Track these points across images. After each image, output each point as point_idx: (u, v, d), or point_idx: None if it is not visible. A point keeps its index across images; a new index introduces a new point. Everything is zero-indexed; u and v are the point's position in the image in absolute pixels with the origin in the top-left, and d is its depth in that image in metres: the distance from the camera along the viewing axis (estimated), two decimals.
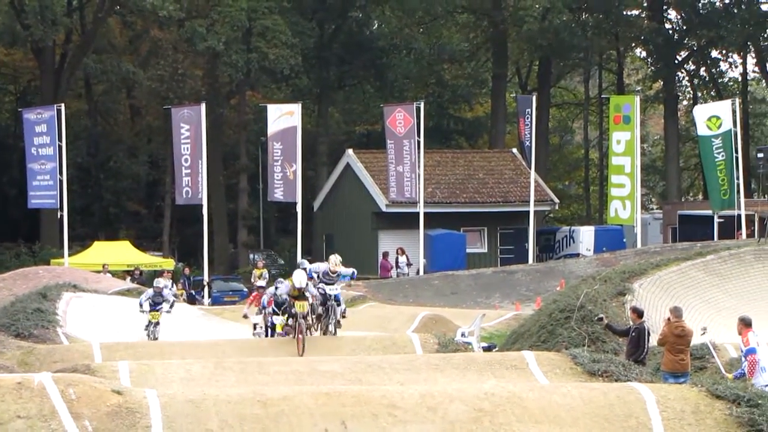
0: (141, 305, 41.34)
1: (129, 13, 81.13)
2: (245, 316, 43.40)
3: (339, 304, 38.06)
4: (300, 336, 35.66)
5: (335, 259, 37.51)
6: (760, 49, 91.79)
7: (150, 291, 42.35)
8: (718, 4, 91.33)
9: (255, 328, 41.73)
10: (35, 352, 32.56)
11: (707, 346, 31.31)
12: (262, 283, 50.96)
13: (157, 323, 41.10)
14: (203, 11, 78.47)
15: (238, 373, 27.78)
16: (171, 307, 42.44)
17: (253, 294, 44.91)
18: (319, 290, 37.71)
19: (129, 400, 21.39)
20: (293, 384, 25.17)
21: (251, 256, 74.42)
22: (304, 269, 38.18)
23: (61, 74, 77.21)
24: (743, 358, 28.33)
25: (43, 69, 78.31)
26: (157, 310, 41.18)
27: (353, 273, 40.57)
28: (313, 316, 37.84)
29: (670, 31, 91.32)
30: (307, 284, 37.10)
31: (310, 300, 36.81)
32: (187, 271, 67.08)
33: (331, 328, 37.76)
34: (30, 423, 20.28)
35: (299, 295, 36.86)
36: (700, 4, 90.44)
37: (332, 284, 38.02)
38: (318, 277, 38.43)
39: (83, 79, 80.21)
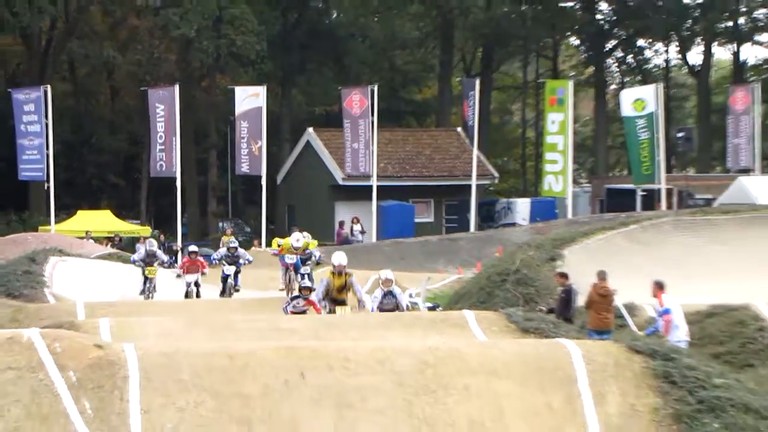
0: (134, 262, 41.93)
1: (109, 2, 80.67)
2: (178, 276, 42.87)
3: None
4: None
5: (298, 235, 36.92)
6: (682, 38, 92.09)
7: (142, 252, 42.07)
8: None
9: (188, 287, 40.72)
10: (24, 310, 32.59)
11: (621, 308, 31.75)
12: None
13: (153, 280, 40.52)
14: (177, 0, 78.16)
15: (208, 329, 27.87)
16: (168, 264, 43.83)
17: (184, 259, 44.68)
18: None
19: (109, 353, 21.46)
20: (257, 340, 25.30)
21: (220, 224, 74.32)
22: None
23: (47, 58, 76.92)
24: (658, 318, 28.78)
25: (30, 53, 78.04)
26: (152, 264, 40.68)
27: (320, 256, 41.08)
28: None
29: (601, 22, 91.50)
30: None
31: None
32: (162, 237, 66.93)
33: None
34: (20, 374, 20.33)
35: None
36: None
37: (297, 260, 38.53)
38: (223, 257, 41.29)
39: (68, 62, 79.84)
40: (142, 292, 40.22)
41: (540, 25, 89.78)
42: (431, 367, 21.79)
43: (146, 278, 40.39)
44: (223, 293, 41.16)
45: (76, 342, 21.95)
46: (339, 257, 32.59)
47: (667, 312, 28.55)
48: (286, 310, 31.55)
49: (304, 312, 31.19)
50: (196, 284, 40.26)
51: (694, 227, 44.15)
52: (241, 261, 41.52)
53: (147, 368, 21.06)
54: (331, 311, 32.58)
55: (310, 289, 31.59)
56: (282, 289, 38.92)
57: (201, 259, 41.19)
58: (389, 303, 31.70)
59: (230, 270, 40.36)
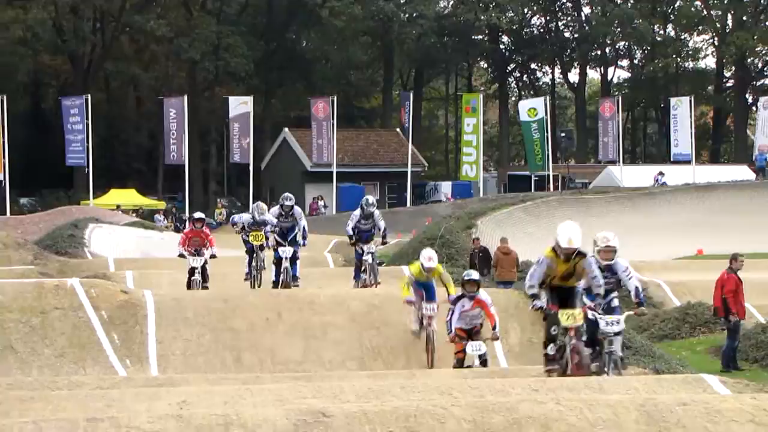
0: (235, 224, 26.55)
1: (135, 32, 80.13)
2: (181, 255, 25.80)
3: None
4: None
5: (428, 252, 21.07)
6: (564, 63, 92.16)
7: (245, 217, 26.10)
8: (535, 32, 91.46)
9: (192, 274, 25.42)
10: (69, 264, 32.34)
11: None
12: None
13: (261, 253, 25.34)
14: (186, 32, 77.69)
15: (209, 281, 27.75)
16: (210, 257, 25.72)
17: (185, 232, 27.49)
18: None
19: (132, 297, 21.30)
20: (244, 288, 25.27)
21: (218, 200, 74.06)
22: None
23: (88, 74, 76.23)
24: None
25: (75, 70, 77.40)
26: (200, 254, 25.45)
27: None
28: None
29: (503, 50, 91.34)
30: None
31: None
32: (174, 210, 66.65)
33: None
34: (64, 312, 20.15)
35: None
36: (523, 32, 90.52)
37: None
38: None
39: (103, 77, 79.03)
40: (248, 274, 25.48)
41: (458, 53, 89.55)
42: (377, 308, 21.72)
43: (251, 253, 24.90)
44: (276, 284, 24.72)
45: (108, 288, 21.77)
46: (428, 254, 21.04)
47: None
48: (450, 327, 18.68)
49: (476, 326, 18.65)
50: (203, 270, 25.33)
51: (574, 203, 44.11)
52: (297, 234, 25.19)
53: (161, 309, 20.94)
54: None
55: (477, 284, 18.70)
56: (415, 332, 21.13)
57: (207, 231, 25.75)
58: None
59: (287, 252, 24.23)
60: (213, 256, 25.38)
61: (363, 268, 24.25)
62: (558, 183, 64.58)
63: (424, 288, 20.49)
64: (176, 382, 15.83)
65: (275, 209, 25.16)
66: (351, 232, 24.67)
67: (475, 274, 18.50)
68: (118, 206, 60.51)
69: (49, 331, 20.03)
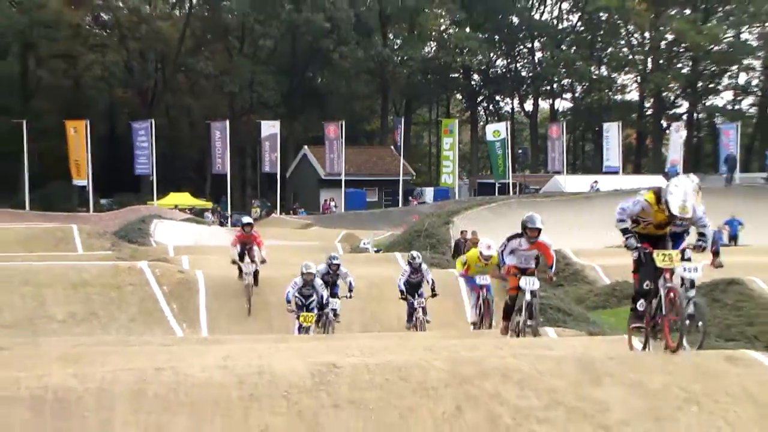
0: (289, 301, 18.74)
1: (188, 71, 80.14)
2: (234, 262, 21.48)
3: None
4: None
5: (487, 241, 18.58)
6: (521, 95, 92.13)
7: (299, 281, 18.88)
8: (499, 71, 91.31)
9: (246, 278, 21.15)
10: (138, 250, 32.40)
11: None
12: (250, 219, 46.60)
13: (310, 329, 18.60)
14: (228, 71, 77.72)
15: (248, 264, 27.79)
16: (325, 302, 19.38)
17: (237, 235, 22.22)
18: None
19: (187, 276, 21.41)
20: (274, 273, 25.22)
21: (253, 201, 74.00)
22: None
23: (152, 104, 76.26)
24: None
25: (142, 101, 77.24)
26: (310, 309, 18.96)
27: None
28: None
29: (474, 86, 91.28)
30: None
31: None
32: (218, 209, 66.67)
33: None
34: (135, 288, 20.25)
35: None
36: (489, 72, 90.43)
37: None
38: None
39: (164, 106, 79.01)
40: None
41: (438, 87, 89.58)
42: (376, 286, 21.77)
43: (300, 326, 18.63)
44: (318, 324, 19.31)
45: (168, 269, 21.85)
46: (487, 241, 18.50)
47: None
48: (502, 259, 15.44)
49: (529, 267, 15.32)
50: (255, 273, 21.30)
51: (528, 204, 43.92)
52: (338, 289, 19.97)
53: (209, 285, 21.06)
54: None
55: (539, 231, 14.94)
56: (474, 324, 18.86)
57: (256, 233, 22.09)
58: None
59: (335, 304, 19.39)
60: (263, 261, 21.54)
61: (414, 320, 20.07)
62: (516, 189, 64.72)
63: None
64: (221, 342, 15.92)
65: (323, 267, 19.69)
66: (402, 287, 20.04)
67: (539, 222, 14.78)
68: (175, 206, 60.49)
69: (124, 301, 20.15)
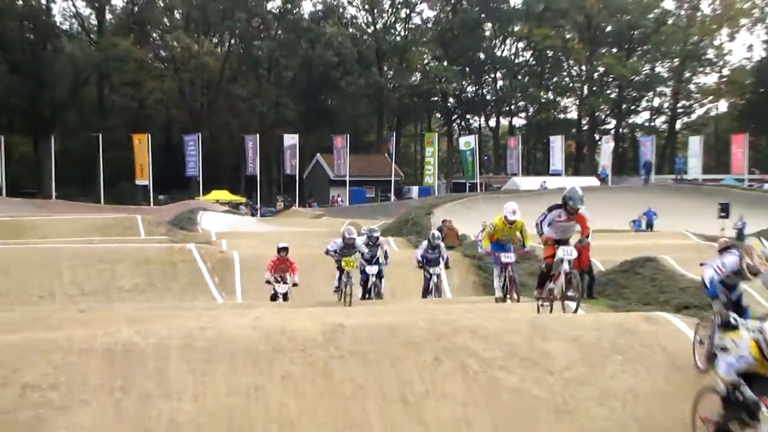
0: (328, 252, 17.06)
1: (228, 95, 79.92)
2: (268, 282, 17.74)
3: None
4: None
5: (512, 205, 15.09)
6: (486, 114, 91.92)
7: (339, 242, 16.97)
8: (469, 95, 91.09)
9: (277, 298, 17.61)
10: (188, 235, 32.36)
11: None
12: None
13: (350, 273, 16.51)
14: (258, 95, 77.56)
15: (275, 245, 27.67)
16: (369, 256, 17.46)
17: (273, 258, 17.93)
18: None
19: (226, 255, 21.29)
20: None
21: (277, 197, 73.80)
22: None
23: (200, 121, 75.82)
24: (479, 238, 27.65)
25: (191, 118, 76.51)
26: (285, 281, 17.81)
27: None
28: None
29: (450, 107, 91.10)
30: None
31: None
32: (250, 203, 66.59)
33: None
34: (186, 264, 20.16)
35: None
36: (462, 96, 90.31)
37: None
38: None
39: (208, 122, 78.61)
40: (337, 288, 17.06)
41: (422, 108, 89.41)
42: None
43: (342, 271, 16.78)
44: (364, 297, 17.49)
45: (211, 250, 21.78)
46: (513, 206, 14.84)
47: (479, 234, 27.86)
48: (541, 228, 12.83)
49: (567, 238, 12.77)
50: (285, 296, 17.63)
51: (492, 200, 43.98)
52: (380, 256, 17.70)
53: (243, 262, 20.92)
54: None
55: (582, 202, 12.28)
56: (499, 299, 15.23)
57: (291, 259, 17.92)
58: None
59: (373, 269, 17.32)
60: (295, 284, 17.73)
61: (430, 288, 17.89)
62: (482, 187, 64.67)
63: (501, 248, 14.74)
64: (252, 307, 15.87)
65: (363, 239, 17.45)
66: (420, 259, 18.10)
67: (580, 203, 12.22)
68: (216, 200, 60.31)
69: (176, 275, 20.05)
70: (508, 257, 14.77)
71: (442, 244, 18.47)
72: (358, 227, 25.31)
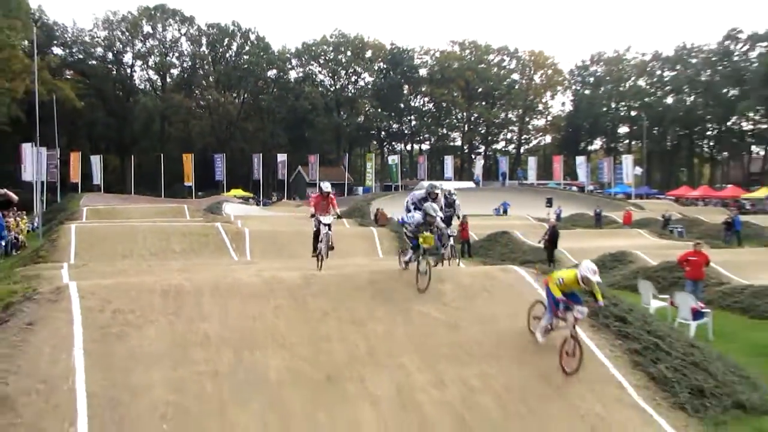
0: (402, 223, 9.37)
1: (242, 129, 78.11)
2: (312, 215, 11.36)
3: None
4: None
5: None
6: (405, 142, 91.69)
7: (417, 216, 9.15)
8: (394, 130, 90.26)
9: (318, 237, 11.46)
10: (216, 218, 31.51)
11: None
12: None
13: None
14: (261, 128, 76.24)
15: (281, 223, 27.07)
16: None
17: (313, 196, 11.46)
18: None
19: (239, 230, 20.74)
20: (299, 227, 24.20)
21: (272, 193, 72.05)
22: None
23: (225, 144, 73.84)
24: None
25: (218, 142, 74.64)
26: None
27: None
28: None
29: (382, 137, 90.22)
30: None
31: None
32: (255, 197, 65.18)
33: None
34: (212, 237, 19.57)
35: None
36: (389, 130, 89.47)
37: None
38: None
39: (230, 147, 76.28)
40: (407, 263, 9.30)
41: (367, 138, 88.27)
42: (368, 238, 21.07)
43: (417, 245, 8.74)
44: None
45: (230, 226, 21.22)
46: (593, 267, 7.53)
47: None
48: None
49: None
50: (329, 227, 11.24)
51: (407, 194, 43.60)
52: (453, 215, 10.67)
53: (253, 235, 20.38)
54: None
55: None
56: (541, 343, 7.95)
57: (332, 195, 11.36)
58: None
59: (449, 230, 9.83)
60: (339, 216, 11.83)
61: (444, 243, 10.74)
62: (402, 188, 64.49)
63: (570, 296, 7.86)
64: (257, 263, 15.56)
65: (440, 202, 10.41)
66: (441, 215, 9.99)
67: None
68: (234, 196, 59.01)
69: (208, 243, 19.43)
70: (580, 313, 7.77)
71: (458, 201, 11.43)
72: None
